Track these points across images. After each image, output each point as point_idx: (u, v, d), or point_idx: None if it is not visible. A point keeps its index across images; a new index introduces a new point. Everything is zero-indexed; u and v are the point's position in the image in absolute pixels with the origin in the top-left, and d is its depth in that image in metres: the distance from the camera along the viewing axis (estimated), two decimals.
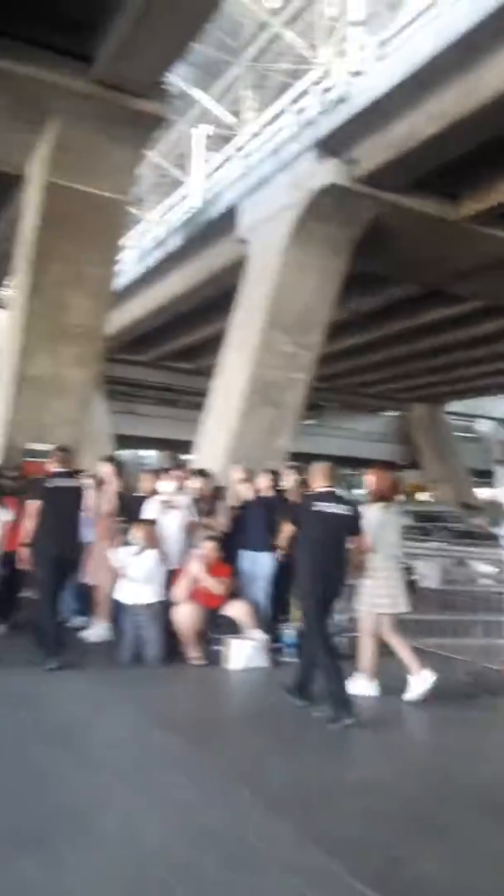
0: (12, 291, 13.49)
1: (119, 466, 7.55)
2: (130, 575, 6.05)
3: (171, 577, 6.27)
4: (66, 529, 5.89)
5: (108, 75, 9.48)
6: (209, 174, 19.12)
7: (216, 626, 6.03)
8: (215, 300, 18.98)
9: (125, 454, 37.43)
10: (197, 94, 20.32)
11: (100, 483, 7.14)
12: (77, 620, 7.11)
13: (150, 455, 43.68)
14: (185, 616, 5.98)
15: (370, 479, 5.74)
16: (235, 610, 6.10)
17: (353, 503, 5.29)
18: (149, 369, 29.43)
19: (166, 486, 6.72)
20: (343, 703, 4.61)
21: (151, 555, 6.10)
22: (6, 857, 2.78)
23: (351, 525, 5.06)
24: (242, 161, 15.72)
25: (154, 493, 6.78)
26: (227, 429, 13.02)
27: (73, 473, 6.42)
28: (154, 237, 20.42)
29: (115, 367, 26.87)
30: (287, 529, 5.28)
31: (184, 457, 33.28)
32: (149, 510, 6.55)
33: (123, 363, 27.41)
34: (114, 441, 28.64)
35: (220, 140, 21.05)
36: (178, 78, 17.12)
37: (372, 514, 5.41)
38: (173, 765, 3.83)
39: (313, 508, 5.03)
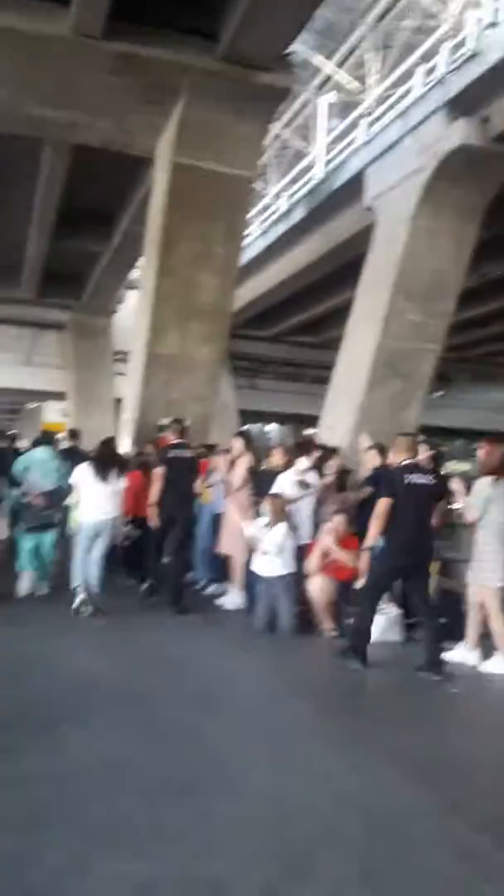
0: (142, 272, 13.96)
1: (249, 441, 7.74)
2: (262, 547, 6.19)
3: (305, 550, 6.37)
4: (179, 493, 6.77)
5: (233, 51, 9.40)
6: (333, 142, 18.74)
7: (349, 599, 6.07)
8: (339, 271, 18.71)
9: (253, 429, 38.01)
10: (319, 60, 19.91)
11: (232, 457, 7.34)
12: (212, 588, 7.40)
13: (273, 430, 44.13)
14: (318, 588, 6.08)
15: (480, 452, 5.73)
16: None
17: (434, 473, 5.63)
18: (272, 344, 29.58)
19: (303, 462, 6.80)
20: (357, 646, 5.10)
21: (281, 528, 6.20)
22: (159, 803, 2.99)
23: (436, 493, 5.40)
24: (368, 127, 15.28)
25: (285, 467, 6.87)
26: (353, 402, 12.84)
27: (189, 444, 7.20)
28: (276, 210, 20.37)
29: (237, 343, 27.24)
30: (383, 503, 5.19)
31: (308, 431, 33.38)
32: (281, 485, 6.65)
33: (246, 339, 27.70)
34: (238, 416, 29.14)
35: (345, 106, 20.57)
36: (299, 46, 16.84)
37: (480, 488, 5.39)
38: (310, 731, 3.94)
39: (406, 481, 5.17)
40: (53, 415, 28.57)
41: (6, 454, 8.62)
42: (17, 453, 8.54)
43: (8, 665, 4.75)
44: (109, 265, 19.68)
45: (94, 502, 6.41)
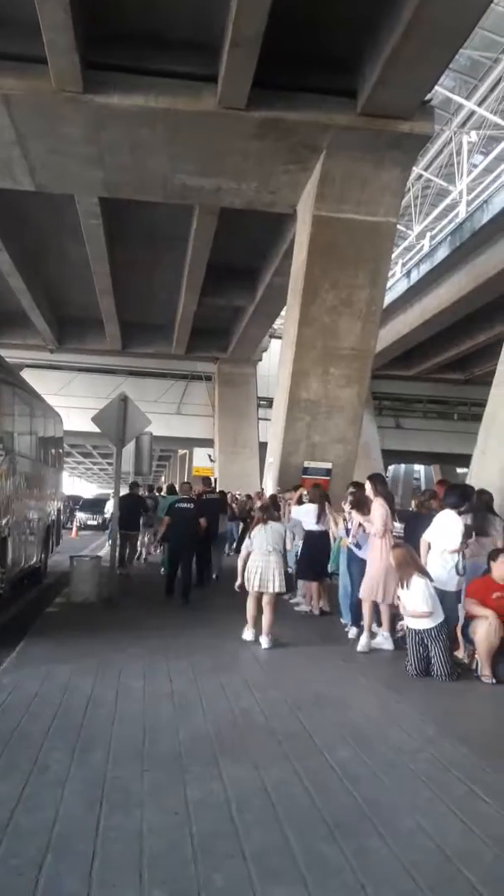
0: (284, 322, 14.43)
1: (383, 484, 7.51)
2: (404, 604, 6.13)
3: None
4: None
5: (372, 105, 9.68)
6: (477, 178, 18.56)
7: None
8: (488, 307, 18.35)
9: (399, 469, 37.39)
10: (461, 99, 19.88)
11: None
12: (352, 632, 7.36)
13: (419, 469, 43.11)
14: (482, 634, 5.89)
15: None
16: None
17: (194, 501, 9.90)
18: (416, 383, 29.23)
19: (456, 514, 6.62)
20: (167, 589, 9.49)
21: (417, 582, 6.04)
22: (315, 837, 3.08)
23: (196, 514, 9.37)
24: None
25: (429, 510, 6.80)
26: None
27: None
28: (420, 250, 20.35)
29: (381, 383, 27.20)
30: (164, 521, 9.78)
31: (459, 470, 32.34)
32: (444, 530, 6.44)
33: (389, 378, 27.61)
34: (382, 456, 28.86)
35: (489, 141, 20.35)
36: (439, 87, 16.95)
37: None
38: (468, 775, 3.85)
39: (175, 506, 9.49)
40: (201, 460, 29.79)
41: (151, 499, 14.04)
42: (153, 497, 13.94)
43: (168, 704, 5.04)
44: (253, 317, 20.50)
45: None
